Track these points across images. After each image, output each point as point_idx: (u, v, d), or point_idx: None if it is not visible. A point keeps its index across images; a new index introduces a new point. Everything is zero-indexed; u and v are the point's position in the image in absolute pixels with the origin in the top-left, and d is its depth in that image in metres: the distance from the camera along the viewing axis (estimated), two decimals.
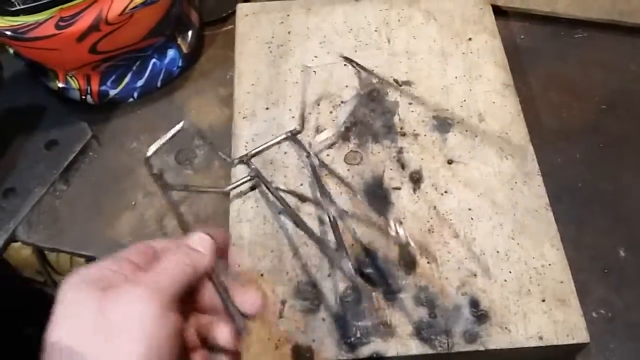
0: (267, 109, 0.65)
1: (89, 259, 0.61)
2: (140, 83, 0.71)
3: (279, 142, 0.61)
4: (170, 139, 0.53)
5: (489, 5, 0.69)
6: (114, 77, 0.70)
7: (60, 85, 0.70)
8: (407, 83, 0.64)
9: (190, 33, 0.73)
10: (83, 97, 0.70)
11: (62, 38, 0.60)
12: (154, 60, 0.71)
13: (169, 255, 0.35)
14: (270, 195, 0.57)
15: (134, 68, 0.70)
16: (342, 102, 0.64)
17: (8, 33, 0.60)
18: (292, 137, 0.61)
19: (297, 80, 0.66)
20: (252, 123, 0.64)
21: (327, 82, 0.66)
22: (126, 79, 0.70)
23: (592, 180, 0.62)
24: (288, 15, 0.72)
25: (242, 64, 0.69)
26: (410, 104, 0.63)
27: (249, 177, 0.58)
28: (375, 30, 0.69)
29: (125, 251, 0.36)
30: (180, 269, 0.34)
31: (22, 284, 0.67)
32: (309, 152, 0.59)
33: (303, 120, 0.61)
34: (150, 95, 0.72)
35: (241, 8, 0.73)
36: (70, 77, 0.69)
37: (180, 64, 0.72)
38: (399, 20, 0.69)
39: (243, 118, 0.65)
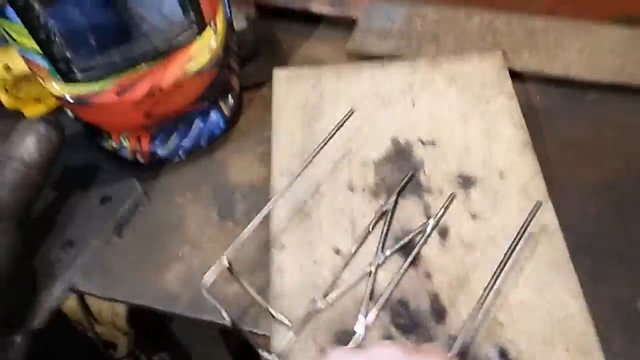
0: (301, 166, 0.70)
1: (135, 309, 0.66)
2: (185, 143, 0.77)
3: None
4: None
5: (506, 69, 0.75)
6: (162, 137, 0.76)
7: (114, 145, 0.76)
8: (431, 142, 0.70)
9: (231, 97, 0.80)
10: (134, 156, 0.77)
11: (120, 104, 0.66)
12: (198, 122, 0.77)
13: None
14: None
15: (181, 129, 0.77)
16: (371, 160, 0.70)
17: (71, 99, 0.67)
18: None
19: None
20: (287, 179, 0.69)
21: (356, 140, 0.71)
22: (173, 140, 0.77)
23: (609, 234, 0.65)
24: (320, 80, 0.78)
25: (279, 125, 0.75)
26: (435, 162, 0.68)
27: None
28: (400, 93, 0.75)
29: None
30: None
31: (80, 337, 0.72)
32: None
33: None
34: (195, 154, 0.78)
35: (277, 73, 0.80)
36: (123, 137, 0.75)
37: (222, 126, 0.79)
38: (422, 84, 0.75)
39: (280, 175, 0.70)
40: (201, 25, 0.65)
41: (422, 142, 0.70)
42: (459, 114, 0.71)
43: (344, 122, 0.66)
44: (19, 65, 0.77)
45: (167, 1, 0.63)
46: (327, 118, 0.74)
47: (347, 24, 0.86)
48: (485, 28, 0.79)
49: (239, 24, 0.80)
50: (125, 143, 0.76)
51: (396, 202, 0.66)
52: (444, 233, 0.63)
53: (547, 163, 0.69)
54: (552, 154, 0.72)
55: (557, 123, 0.75)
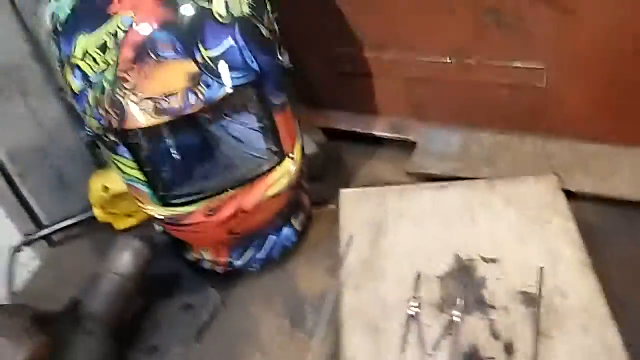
0: (370, 281, 0.75)
1: None
2: (260, 256, 0.84)
3: None
4: None
5: (562, 191, 0.79)
6: (239, 250, 0.83)
7: (195, 256, 0.84)
8: (493, 261, 0.74)
9: (302, 214, 0.87)
10: (213, 266, 0.84)
11: (207, 224, 0.74)
12: (272, 236, 0.84)
13: None
14: None
15: (256, 243, 0.84)
16: (435, 276, 0.74)
17: (165, 219, 0.75)
18: None
19: (394, 257, 0.77)
20: (357, 293, 0.74)
21: (421, 256, 0.76)
22: (248, 252, 0.84)
23: None
24: (384, 199, 0.85)
25: (345, 240, 0.81)
26: (497, 279, 0.72)
27: None
28: (461, 213, 0.80)
29: None
30: None
31: None
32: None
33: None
34: (268, 265, 0.85)
35: (344, 193, 0.87)
36: (204, 250, 0.83)
37: (293, 239, 0.86)
38: (481, 204, 0.81)
39: (350, 289, 0.75)
40: (281, 156, 0.74)
41: (484, 260, 0.74)
42: (518, 234, 0.76)
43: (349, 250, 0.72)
44: (115, 186, 0.88)
45: (252, 137, 0.73)
46: (393, 234, 0.80)
47: (406, 146, 0.94)
48: (538, 152, 0.85)
49: (310, 148, 0.89)
50: (206, 255, 0.83)
51: (461, 317, 0.69)
52: (510, 350, 0.65)
53: (607, 281, 0.72)
54: (611, 273, 0.74)
55: (614, 242, 0.78)
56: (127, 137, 0.64)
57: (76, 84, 0.63)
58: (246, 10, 0.64)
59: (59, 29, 0.63)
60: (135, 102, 0.61)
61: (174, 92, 0.61)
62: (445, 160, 0.89)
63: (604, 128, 0.82)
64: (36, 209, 1.12)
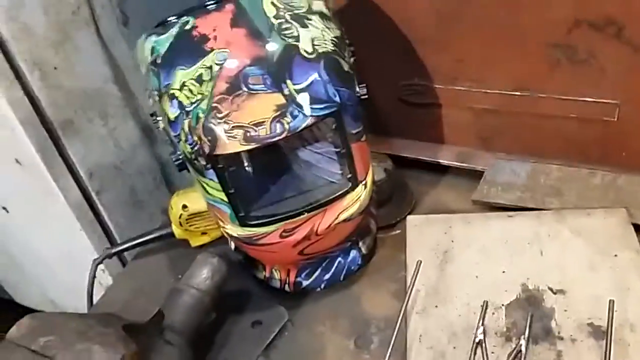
0: (435, 307, 0.77)
1: None
2: (327, 277, 0.87)
3: None
4: None
5: (631, 225, 0.80)
6: (307, 271, 0.87)
7: (266, 275, 0.88)
8: (561, 292, 0.75)
9: (368, 238, 0.90)
10: (282, 286, 0.87)
11: (282, 245, 0.78)
12: (339, 259, 0.87)
13: None
14: None
15: (324, 265, 0.87)
16: (502, 304, 0.75)
17: (242, 238, 0.80)
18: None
19: (461, 283, 0.79)
20: (422, 318, 0.76)
21: (488, 284, 0.78)
22: (316, 273, 0.87)
23: None
24: (450, 227, 0.87)
25: (411, 265, 0.83)
26: (565, 310, 0.73)
27: None
28: (528, 243, 0.82)
29: None
30: None
31: None
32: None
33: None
34: (334, 286, 0.88)
35: (410, 219, 0.90)
36: (275, 269, 0.87)
37: (359, 262, 0.89)
38: (549, 235, 0.82)
39: (415, 313, 0.78)
40: (355, 182, 0.77)
41: (552, 291, 0.75)
42: (587, 266, 0.77)
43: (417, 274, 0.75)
44: (194, 205, 0.93)
45: (328, 163, 0.77)
46: (459, 261, 0.82)
47: (472, 176, 0.96)
48: (607, 185, 0.85)
49: (378, 175, 0.92)
50: (276, 274, 0.87)
51: (527, 347, 0.70)
52: None
53: None
54: None
55: None
56: (217, 162, 0.69)
57: (172, 112, 0.68)
58: (330, 46, 0.68)
59: (159, 61, 0.69)
60: (226, 131, 0.66)
61: (262, 122, 0.66)
62: (512, 191, 0.90)
63: None
64: (111, 225, 1.20)
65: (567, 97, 0.83)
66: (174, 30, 0.69)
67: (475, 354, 0.71)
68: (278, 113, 0.66)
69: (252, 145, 0.66)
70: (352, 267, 0.88)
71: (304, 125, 0.67)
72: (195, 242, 0.99)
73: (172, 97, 0.68)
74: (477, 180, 0.95)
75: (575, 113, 0.84)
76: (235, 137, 0.66)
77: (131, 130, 1.22)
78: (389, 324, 0.81)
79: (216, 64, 0.66)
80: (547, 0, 0.76)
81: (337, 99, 0.68)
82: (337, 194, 0.76)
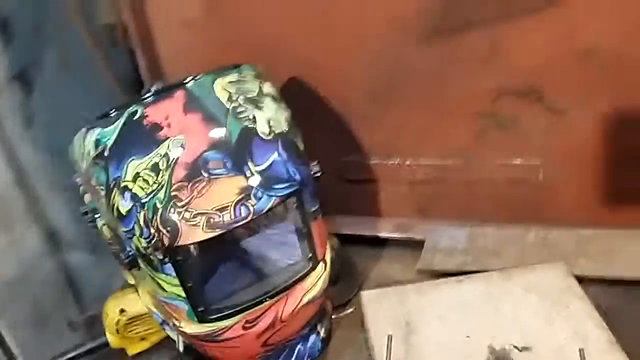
0: None
1: None
2: None
3: None
4: None
5: (572, 275, 0.85)
6: None
7: None
8: (527, 348, 0.77)
9: (325, 320, 0.87)
10: None
11: (245, 338, 0.73)
12: (299, 346, 0.83)
13: None
14: None
15: (283, 355, 0.82)
16: None
17: (200, 336, 0.74)
18: None
19: (430, 355, 0.78)
20: None
21: (455, 350, 0.78)
22: None
23: None
24: (405, 299, 0.87)
25: (377, 342, 0.81)
26: None
27: None
28: (483, 304, 0.84)
29: None
30: None
31: None
32: None
33: None
34: None
35: (365, 295, 0.89)
36: None
37: (319, 348, 0.85)
38: (501, 293, 0.84)
39: None
40: (315, 262, 0.75)
41: (518, 349, 0.76)
42: (545, 320, 0.79)
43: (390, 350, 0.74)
44: (133, 308, 0.86)
45: (288, 244, 0.75)
46: (422, 332, 0.81)
47: (412, 245, 0.98)
48: (541, 242, 0.91)
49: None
50: None
51: None
52: None
53: (634, 358, 0.75)
54: (632, 349, 0.78)
55: (625, 320, 0.82)
56: (176, 254, 0.65)
57: (124, 206, 0.64)
58: (285, 126, 0.69)
59: (107, 154, 0.65)
60: (187, 219, 0.63)
61: (225, 207, 0.63)
62: (454, 256, 0.93)
63: (600, 214, 0.90)
64: (12, 345, 1.06)
65: (497, 161, 0.89)
66: (121, 121, 0.66)
67: None
68: (242, 196, 0.64)
69: (217, 232, 0.63)
70: (313, 354, 0.84)
71: (269, 206, 0.65)
72: (133, 349, 0.90)
73: (124, 189, 0.63)
74: (418, 249, 0.97)
75: (504, 176, 0.91)
76: (198, 225, 0.63)
77: (34, 237, 1.11)
78: None
79: (172, 151, 0.63)
80: (473, 73, 0.84)
81: (298, 177, 0.68)
82: (299, 275, 0.74)
